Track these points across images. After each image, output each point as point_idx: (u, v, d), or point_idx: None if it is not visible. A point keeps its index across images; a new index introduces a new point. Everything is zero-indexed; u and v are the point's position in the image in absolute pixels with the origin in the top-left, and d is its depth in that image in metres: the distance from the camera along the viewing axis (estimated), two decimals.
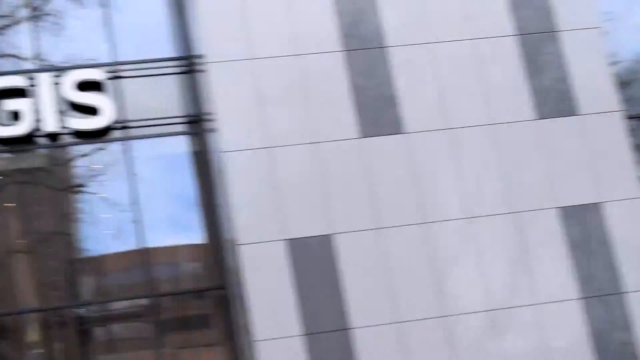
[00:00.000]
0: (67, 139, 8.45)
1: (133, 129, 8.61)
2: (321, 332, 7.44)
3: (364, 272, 7.70)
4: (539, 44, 8.68)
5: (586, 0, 8.90)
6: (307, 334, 7.39)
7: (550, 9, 8.75)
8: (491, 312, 7.75)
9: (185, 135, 9.06)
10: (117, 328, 8.90)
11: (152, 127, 8.72)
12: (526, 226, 8.07)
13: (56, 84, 8.34)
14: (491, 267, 7.92)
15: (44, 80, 8.30)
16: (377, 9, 8.47)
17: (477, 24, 8.59)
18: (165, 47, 9.06)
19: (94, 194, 8.66)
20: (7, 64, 8.69)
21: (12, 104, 8.11)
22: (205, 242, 8.73)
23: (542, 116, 8.44)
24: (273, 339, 7.27)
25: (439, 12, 8.57)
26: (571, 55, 8.61)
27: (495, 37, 8.59)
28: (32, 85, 8.26)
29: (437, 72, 8.41)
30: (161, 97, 8.95)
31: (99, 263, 8.75)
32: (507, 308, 7.80)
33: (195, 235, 8.80)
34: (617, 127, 8.46)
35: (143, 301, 8.42)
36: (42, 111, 8.18)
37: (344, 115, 8.18)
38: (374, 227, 7.84)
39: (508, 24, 8.64)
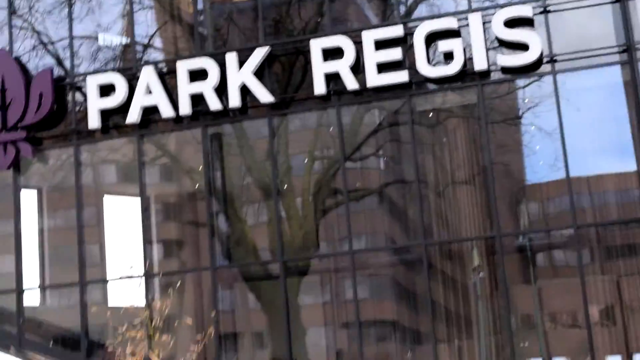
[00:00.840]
0: (497, 75, 8.71)
1: (563, 62, 8.41)
2: None
3: None
4: None
5: None
6: None
7: None
8: None
9: (618, 65, 8.55)
10: (557, 255, 9.17)
11: (581, 60, 8.40)
12: None
13: (486, 23, 8.59)
14: None
15: (475, 20, 8.65)
16: None
17: None
18: None
19: (529, 125, 8.83)
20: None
21: (445, 45, 8.68)
22: None
23: None
24: None
25: None
26: None
27: None
28: (463, 26, 8.70)
29: None
30: (589, 28, 8.67)
31: (537, 192, 9.01)
32: None
33: (630, 163, 8.35)
34: None
35: (579, 230, 8.30)
36: (473, 49, 8.56)
37: None
38: None
39: None
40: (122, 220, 9.78)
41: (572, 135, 8.16)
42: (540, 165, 8.89)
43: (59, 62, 10.11)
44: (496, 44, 8.56)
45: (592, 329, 7.89)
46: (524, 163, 9.18)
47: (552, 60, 8.38)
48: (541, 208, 9.30)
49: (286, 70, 9.49)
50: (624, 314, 8.48)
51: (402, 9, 9.58)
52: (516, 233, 8.84)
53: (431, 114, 9.21)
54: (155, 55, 10.60)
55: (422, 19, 8.96)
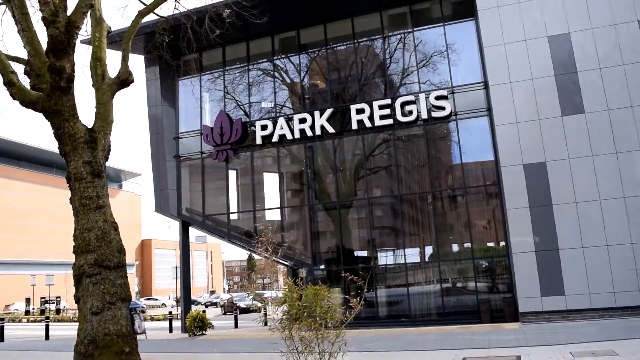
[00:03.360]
0: (432, 121, 19.41)
1: (461, 114, 18.89)
2: None
3: None
4: None
5: None
6: None
7: None
8: None
9: (485, 118, 18.76)
10: None
11: (468, 113, 18.81)
12: None
13: (427, 97, 19.29)
14: None
15: (422, 96, 19.35)
16: None
17: None
18: None
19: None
20: None
21: (409, 107, 19.54)
22: None
23: None
24: None
25: None
26: None
27: None
28: (417, 99, 19.47)
29: None
30: (476, 99, 18.84)
31: None
32: None
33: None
34: None
35: None
36: (421, 109, 19.32)
37: None
38: None
39: None
40: (272, 184, 21.91)
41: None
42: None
43: (246, 114, 22.44)
44: (431, 106, 19.20)
45: None
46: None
47: (455, 114, 18.89)
48: None
49: (339, 118, 20.91)
50: None
51: (390, 88, 20.63)
52: None
53: (403, 137, 20.20)
54: (285, 110, 22.54)
55: (399, 96, 19.86)
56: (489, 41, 18.06)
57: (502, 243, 17.88)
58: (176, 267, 33.83)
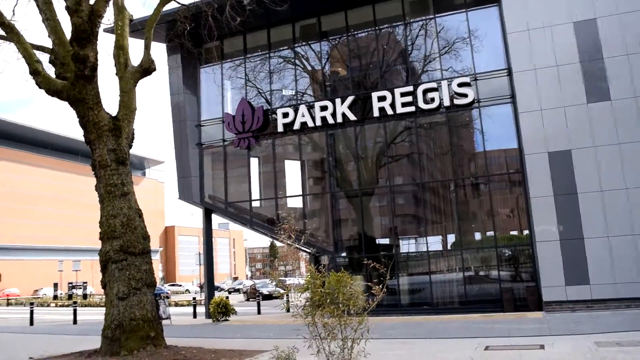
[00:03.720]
0: (454, 108, 19.17)
1: (484, 101, 18.64)
2: None
3: None
4: None
5: None
6: None
7: None
8: None
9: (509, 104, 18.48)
10: None
11: (490, 101, 18.55)
12: None
13: (450, 84, 19.04)
14: None
15: (445, 83, 19.13)
16: None
17: None
18: None
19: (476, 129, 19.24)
20: None
21: (431, 94, 19.34)
22: None
23: None
24: None
25: None
26: None
27: None
28: (439, 86, 19.24)
29: None
30: (495, 87, 18.56)
31: None
32: None
33: None
34: None
35: None
36: (443, 96, 19.08)
37: None
38: None
39: None
40: (294, 171, 21.97)
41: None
42: None
43: (267, 101, 22.49)
44: (453, 93, 18.97)
45: None
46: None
47: (478, 101, 18.66)
48: None
49: (360, 105, 20.80)
50: None
51: (412, 75, 20.41)
52: None
53: (425, 125, 20.02)
54: (306, 97, 22.48)
55: (421, 83, 19.62)
56: (512, 27, 17.74)
57: (526, 231, 17.67)
58: (199, 254, 34.27)
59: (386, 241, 20.70)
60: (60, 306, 41.26)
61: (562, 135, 16.58)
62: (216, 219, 27.42)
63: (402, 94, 19.41)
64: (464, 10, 19.34)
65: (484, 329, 13.50)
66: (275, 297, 32.88)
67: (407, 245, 20.15)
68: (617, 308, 15.04)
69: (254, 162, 22.54)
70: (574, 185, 16.17)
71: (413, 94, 19.27)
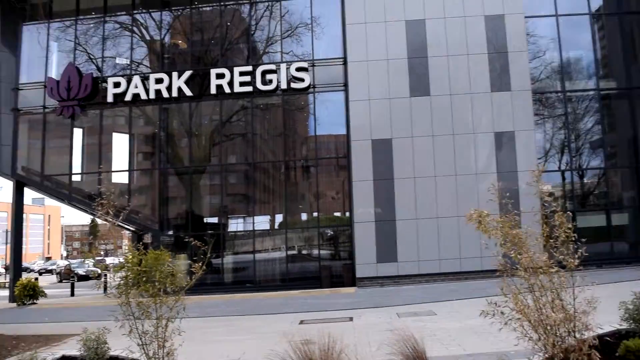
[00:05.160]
0: (290, 92, 19.44)
1: (319, 87, 19.13)
2: None
3: None
4: None
5: None
6: None
7: None
8: None
9: (342, 92, 19.21)
10: None
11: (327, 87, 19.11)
12: None
13: (288, 67, 19.28)
14: None
15: (283, 66, 19.31)
16: None
17: None
18: None
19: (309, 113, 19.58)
20: None
21: (270, 76, 19.42)
22: None
23: None
24: None
25: None
26: None
27: None
28: (278, 68, 19.41)
29: None
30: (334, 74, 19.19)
31: None
32: None
33: None
34: None
35: None
36: (281, 79, 19.26)
37: None
38: None
39: None
40: (122, 145, 20.61)
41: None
42: None
43: (98, 69, 20.82)
44: (291, 76, 19.25)
45: None
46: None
47: (314, 87, 19.13)
48: None
49: (198, 81, 20.23)
50: None
51: (252, 55, 20.39)
52: None
53: (262, 106, 20.08)
54: (142, 68, 21.27)
55: (261, 64, 19.65)
56: (351, 19, 18.49)
57: (347, 213, 18.46)
58: (7, 232, 30.57)
59: (214, 220, 20.28)
60: None
61: (386, 124, 17.62)
62: (30, 194, 24.77)
63: (241, 73, 19.21)
64: None
65: (301, 304, 13.83)
66: (93, 278, 30.46)
67: (235, 225, 19.95)
68: (420, 283, 16.31)
69: (78, 133, 20.72)
70: (392, 171, 17.25)
71: (252, 74, 19.16)
